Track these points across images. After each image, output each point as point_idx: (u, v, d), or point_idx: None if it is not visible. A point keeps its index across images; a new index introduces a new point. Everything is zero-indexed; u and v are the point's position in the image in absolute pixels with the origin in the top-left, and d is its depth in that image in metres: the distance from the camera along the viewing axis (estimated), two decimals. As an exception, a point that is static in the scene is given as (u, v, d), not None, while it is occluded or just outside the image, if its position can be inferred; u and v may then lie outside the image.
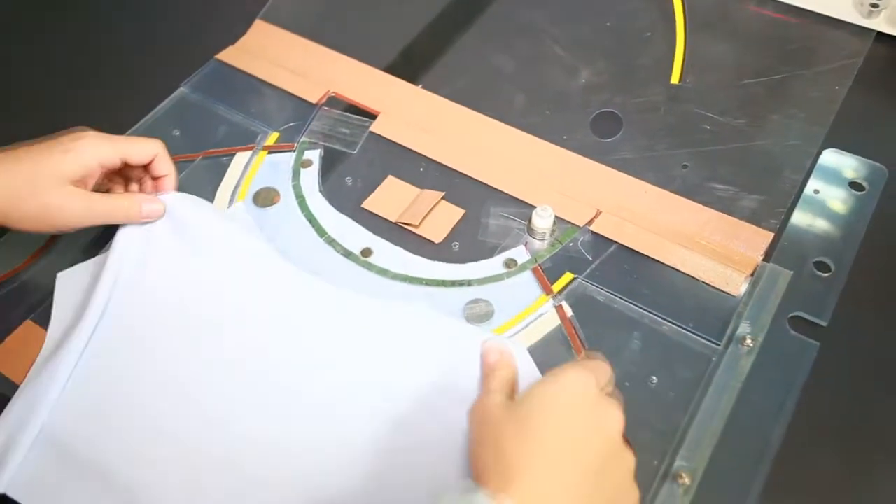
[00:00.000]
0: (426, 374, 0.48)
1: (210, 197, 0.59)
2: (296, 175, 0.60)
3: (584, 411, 0.39)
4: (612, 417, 0.40)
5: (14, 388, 0.49)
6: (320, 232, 0.57)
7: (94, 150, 0.51)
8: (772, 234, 0.54)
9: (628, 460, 0.40)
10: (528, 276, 0.54)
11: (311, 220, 0.57)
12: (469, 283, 0.53)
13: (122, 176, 0.56)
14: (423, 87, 0.66)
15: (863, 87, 0.62)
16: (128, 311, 0.52)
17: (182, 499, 0.45)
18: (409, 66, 0.68)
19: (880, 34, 0.66)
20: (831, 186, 0.57)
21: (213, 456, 0.46)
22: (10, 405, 0.48)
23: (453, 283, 0.53)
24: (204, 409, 0.48)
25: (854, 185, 0.57)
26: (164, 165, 0.54)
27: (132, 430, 0.48)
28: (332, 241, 0.56)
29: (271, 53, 0.70)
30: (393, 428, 0.47)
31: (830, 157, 0.58)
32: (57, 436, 0.47)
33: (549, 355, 0.49)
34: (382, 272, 0.54)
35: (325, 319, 0.51)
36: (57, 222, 0.51)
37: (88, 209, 0.52)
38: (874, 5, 0.65)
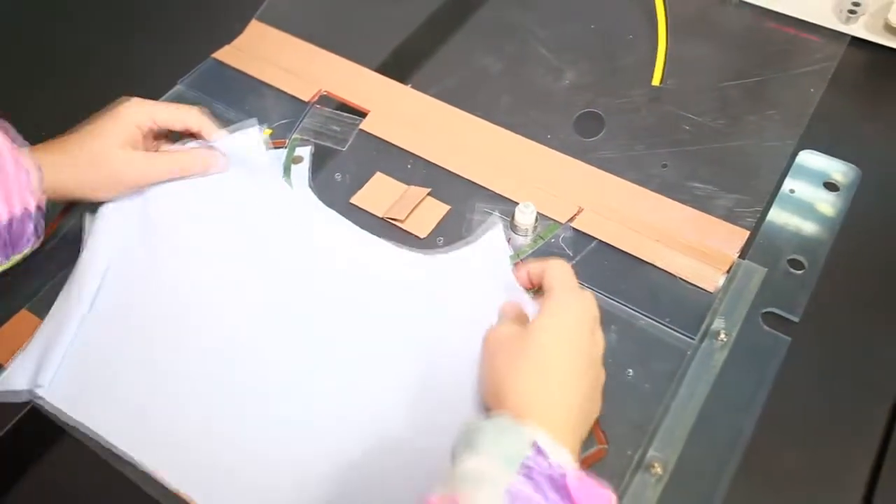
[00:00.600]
0: (452, 313, 0.51)
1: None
2: (286, 171, 0.61)
3: (585, 340, 0.44)
4: (601, 342, 0.46)
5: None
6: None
7: (130, 113, 0.55)
8: (747, 232, 0.54)
9: (603, 377, 0.45)
10: (510, 271, 0.54)
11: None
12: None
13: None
14: (412, 87, 0.66)
15: (838, 90, 0.63)
16: (156, 245, 0.56)
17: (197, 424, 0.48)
18: (399, 65, 0.68)
19: (854, 38, 0.66)
20: (807, 186, 0.57)
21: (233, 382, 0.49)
22: (46, 319, 0.52)
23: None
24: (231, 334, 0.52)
25: (828, 185, 0.57)
26: (206, 129, 0.58)
27: (153, 356, 0.51)
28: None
29: (266, 53, 0.70)
30: (422, 364, 0.49)
31: (806, 158, 0.59)
32: (85, 348, 0.51)
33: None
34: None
35: (359, 266, 0.54)
36: (127, 183, 0.56)
37: (151, 166, 0.56)
38: (852, 11, 0.65)
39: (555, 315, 0.44)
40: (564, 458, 0.37)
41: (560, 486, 0.36)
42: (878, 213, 0.56)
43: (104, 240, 0.55)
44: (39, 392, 0.49)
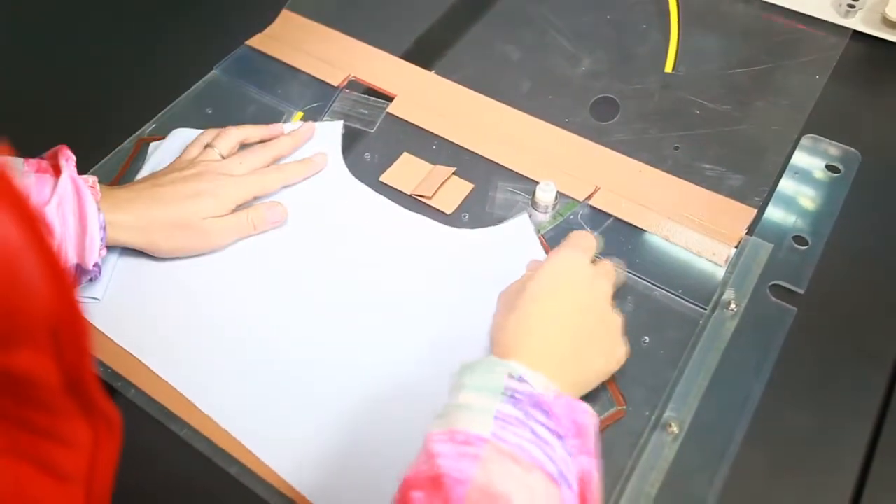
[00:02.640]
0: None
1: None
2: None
3: (575, 286, 0.45)
4: (599, 287, 0.46)
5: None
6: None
7: (233, 195, 0.54)
8: (755, 210, 0.55)
9: (616, 321, 0.46)
10: (532, 245, 0.55)
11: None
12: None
13: None
14: (437, 73, 0.66)
15: (840, 79, 0.63)
16: None
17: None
18: (424, 53, 0.68)
19: (856, 32, 0.66)
20: (810, 168, 0.57)
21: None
22: None
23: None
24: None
25: (830, 167, 0.57)
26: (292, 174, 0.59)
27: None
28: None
29: (297, 41, 0.70)
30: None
31: (809, 142, 0.59)
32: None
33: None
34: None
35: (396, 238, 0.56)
36: (216, 245, 0.55)
37: (238, 230, 0.55)
38: (851, 6, 0.65)
39: (544, 267, 0.46)
40: (541, 382, 0.40)
41: (539, 402, 0.38)
42: (876, 193, 0.56)
43: None
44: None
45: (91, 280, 0.51)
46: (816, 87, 0.62)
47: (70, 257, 0.47)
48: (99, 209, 0.48)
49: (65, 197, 0.47)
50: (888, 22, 0.65)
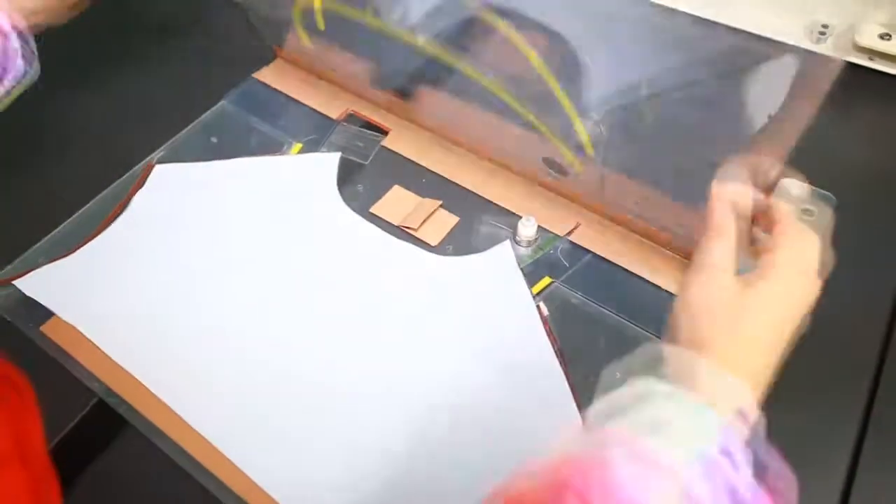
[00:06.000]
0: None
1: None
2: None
3: (801, 311, 0.36)
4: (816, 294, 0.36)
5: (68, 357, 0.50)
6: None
7: None
8: None
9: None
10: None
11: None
12: (459, 281, 0.53)
13: None
14: (425, 112, 0.65)
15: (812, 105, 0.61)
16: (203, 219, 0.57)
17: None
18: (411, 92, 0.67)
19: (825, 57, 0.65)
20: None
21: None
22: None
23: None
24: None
25: (805, 211, 0.55)
26: None
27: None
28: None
29: (298, 76, 0.69)
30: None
31: (784, 184, 0.57)
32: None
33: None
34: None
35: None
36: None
37: None
38: (822, 32, 0.64)
39: (780, 280, 0.36)
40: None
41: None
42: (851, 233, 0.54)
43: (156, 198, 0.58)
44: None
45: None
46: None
47: None
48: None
49: None
50: (858, 47, 0.64)
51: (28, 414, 0.28)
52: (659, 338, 0.49)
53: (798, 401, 0.45)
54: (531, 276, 0.53)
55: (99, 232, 0.56)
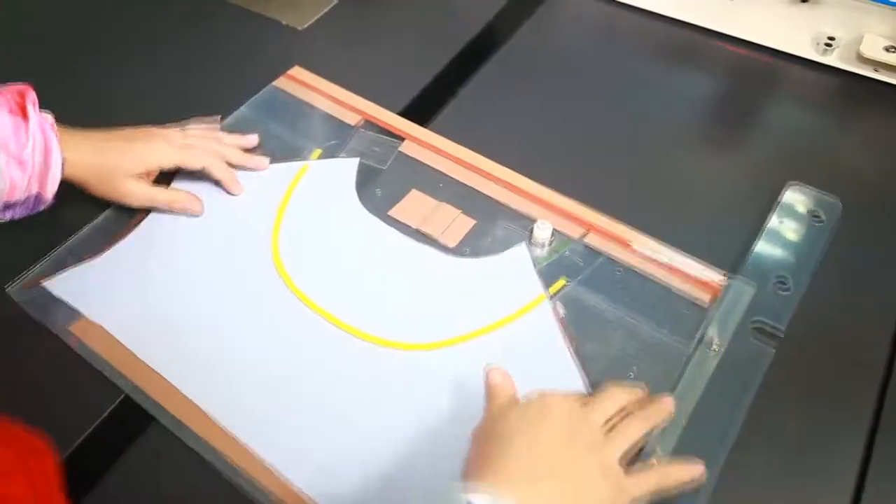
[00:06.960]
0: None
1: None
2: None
3: (568, 439, 0.39)
4: (608, 450, 0.40)
5: (95, 356, 0.50)
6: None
7: (159, 156, 0.57)
8: (724, 275, 0.53)
9: (626, 487, 0.39)
10: (528, 280, 0.54)
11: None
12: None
13: None
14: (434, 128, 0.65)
15: (819, 116, 0.62)
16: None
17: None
18: (424, 110, 0.68)
19: (832, 68, 0.66)
20: (793, 217, 0.56)
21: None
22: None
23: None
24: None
25: (813, 215, 0.56)
26: (218, 173, 0.59)
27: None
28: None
29: (315, 85, 0.70)
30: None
31: (792, 191, 0.58)
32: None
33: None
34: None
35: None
36: (125, 201, 0.57)
37: (150, 199, 0.58)
38: (828, 44, 0.65)
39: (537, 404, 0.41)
40: None
41: None
42: (856, 239, 0.55)
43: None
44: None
45: (45, 206, 0.54)
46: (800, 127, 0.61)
47: (33, 188, 0.52)
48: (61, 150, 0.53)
49: (36, 140, 0.51)
50: (863, 59, 0.65)
51: (48, 479, 0.28)
52: (670, 335, 0.50)
53: (807, 407, 0.46)
54: (547, 277, 0.53)
55: (126, 233, 0.57)
